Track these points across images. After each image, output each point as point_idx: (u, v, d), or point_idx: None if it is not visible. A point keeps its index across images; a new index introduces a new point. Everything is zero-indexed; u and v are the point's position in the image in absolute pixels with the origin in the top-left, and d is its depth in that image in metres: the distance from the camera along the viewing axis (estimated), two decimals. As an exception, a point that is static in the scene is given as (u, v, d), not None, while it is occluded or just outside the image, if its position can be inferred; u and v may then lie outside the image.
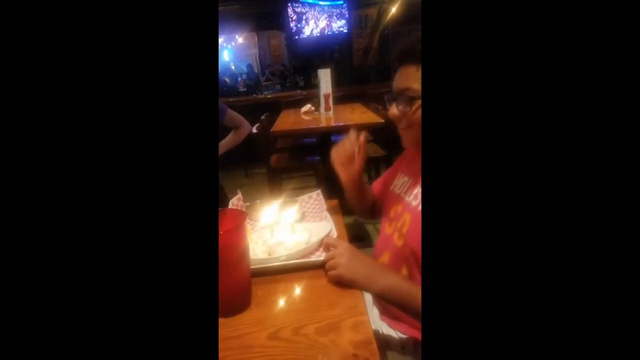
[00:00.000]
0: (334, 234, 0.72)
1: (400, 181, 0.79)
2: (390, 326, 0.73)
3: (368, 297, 0.78)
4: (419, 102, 0.65)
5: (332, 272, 0.60)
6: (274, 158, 2.36)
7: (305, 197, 0.93)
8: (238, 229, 0.54)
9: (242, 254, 0.56)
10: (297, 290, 0.61)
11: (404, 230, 0.70)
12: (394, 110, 0.70)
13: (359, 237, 2.16)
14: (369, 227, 2.28)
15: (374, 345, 0.47)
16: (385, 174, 0.89)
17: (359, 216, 0.92)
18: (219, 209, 0.56)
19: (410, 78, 0.67)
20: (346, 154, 0.79)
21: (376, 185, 0.90)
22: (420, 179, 0.72)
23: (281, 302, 0.58)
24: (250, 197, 0.95)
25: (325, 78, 2.38)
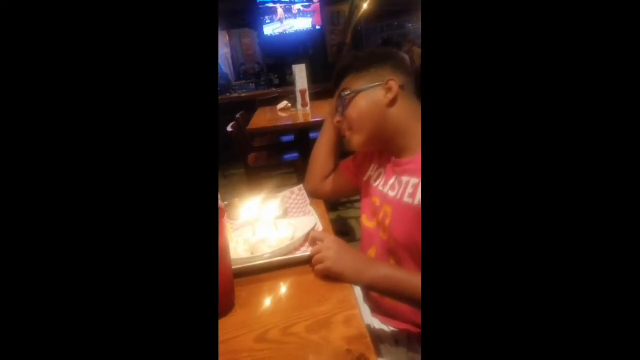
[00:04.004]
0: (320, 228, 0.69)
1: (376, 173, 0.78)
2: (382, 322, 0.71)
3: (359, 294, 0.76)
4: (349, 97, 0.72)
5: (319, 266, 0.57)
6: (251, 157, 2.31)
7: (287, 192, 0.89)
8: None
9: (221, 254, 0.52)
10: (284, 289, 0.58)
11: (387, 222, 0.69)
12: (336, 117, 0.75)
13: (342, 232, 2.14)
14: (353, 222, 2.27)
15: (368, 339, 0.45)
16: (357, 159, 0.86)
17: (309, 184, 0.90)
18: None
19: (345, 86, 0.73)
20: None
21: (346, 163, 0.88)
22: (392, 169, 0.73)
23: (268, 302, 0.55)
24: (230, 199, 0.91)
25: (300, 74, 2.34)
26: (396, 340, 0.67)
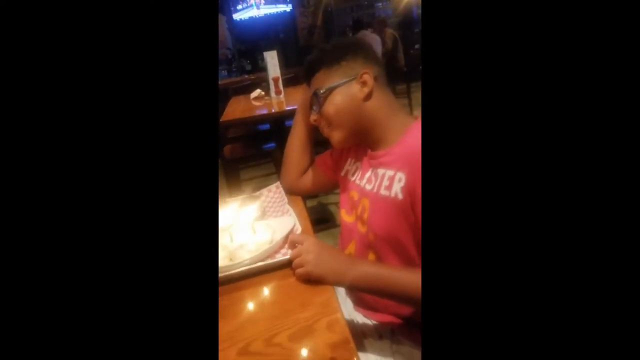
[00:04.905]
0: (298, 228, 0.68)
1: (353, 167, 0.78)
2: (365, 316, 0.72)
3: (341, 288, 0.76)
4: (324, 94, 0.70)
5: (299, 270, 0.57)
6: (227, 149, 2.26)
7: (264, 190, 0.88)
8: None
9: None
10: (265, 295, 0.58)
11: (365, 216, 0.70)
12: (312, 116, 0.74)
13: (323, 220, 2.15)
14: (332, 208, 2.28)
15: (352, 345, 0.45)
16: (334, 153, 0.84)
17: (285, 181, 0.88)
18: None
19: (318, 82, 0.72)
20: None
21: (323, 158, 0.87)
22: (368, 162, 0.72)
23: (249, 311, 0.55)
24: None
25: (272, 61, 2.27)
26: (380, 333, 0.69)
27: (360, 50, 0.71)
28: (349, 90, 0.69)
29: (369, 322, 0.71)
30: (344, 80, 0.69)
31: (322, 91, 0.70)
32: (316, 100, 0.71)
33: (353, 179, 0.76)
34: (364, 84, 0.68)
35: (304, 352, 0.46)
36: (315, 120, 0.74)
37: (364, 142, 0.74)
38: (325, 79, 0.71)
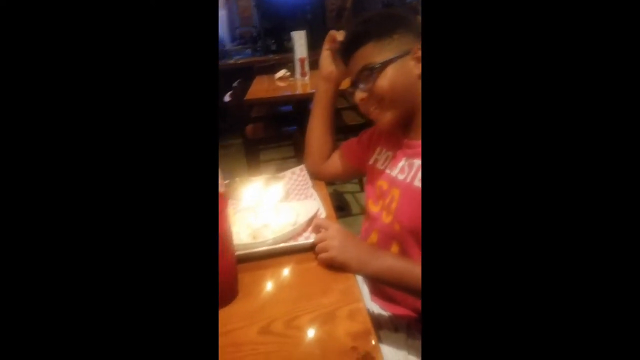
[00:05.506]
0: (322, 213, 0.68)
1: (383, 156, 0.75)
2: (382, 307, 0.71)
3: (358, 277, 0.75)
4: (378, 71, 0.64)
5: (323, 255, 0.56)
6: (249, 128, 2.26)
7: (288, 172, 0.87)
8: (220, 216, 0.48)
9: (226, 241, 0.51)
10: (287, 277, 0.58)
11: (393, 206, 0.68)
12: (358, 95, 0.68)
13: (338, 208, 2.14)
14: (348, 197, 2.27)
15: (373, 336, 0.45)
16: (361, 141, 0.82)
17: (308, 165, 0.87)
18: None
19: (366, 56, 0.66)
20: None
21: (349, 145, 0.84)
22: (401, 151, 0.70)
23: (271, 291, 0.55)
24: (227, 171, 0.88)
25: (300, 41, 2.24)
26: (395, 326, 0.68)
27: (412, 24, 0.66)
28: (403, 66, 0.64)
29: (385, 313, 0.71)
30: (398, 54, 0.64)
31: (376, 66, 0.64)
32: (367, 76, 0.65)
33: (383, 167, 0.74)
34: (419, 60, 0.64)
35: (325, 338, 0.45)
36: (362, 100, 0.68)
37: (402, 128, 0.70)
38: (376, 53, 0.64)
